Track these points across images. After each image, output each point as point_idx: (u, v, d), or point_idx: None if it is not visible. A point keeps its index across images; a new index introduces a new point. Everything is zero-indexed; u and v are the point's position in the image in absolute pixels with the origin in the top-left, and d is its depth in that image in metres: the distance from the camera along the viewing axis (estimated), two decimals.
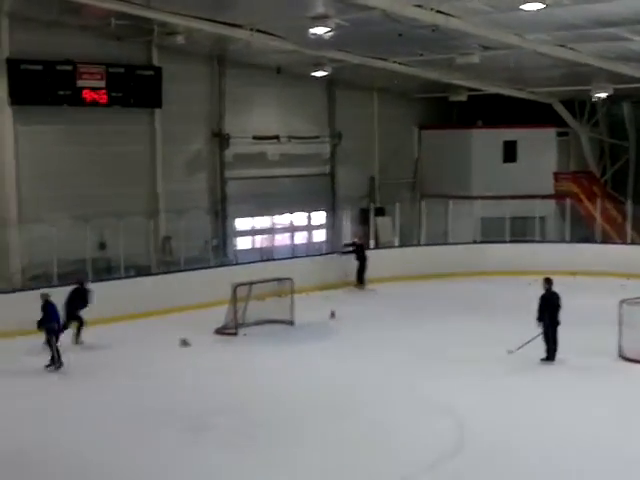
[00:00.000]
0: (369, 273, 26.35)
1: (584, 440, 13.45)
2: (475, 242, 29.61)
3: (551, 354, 17.65)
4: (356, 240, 27.15)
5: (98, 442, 13.54)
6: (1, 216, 23.11)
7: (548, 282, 17.98)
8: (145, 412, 14.89)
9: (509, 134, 32.81)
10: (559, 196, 31.86)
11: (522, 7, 18.66)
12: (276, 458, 12.85)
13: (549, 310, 17.61)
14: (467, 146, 33.02)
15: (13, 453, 13.10)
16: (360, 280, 26.26)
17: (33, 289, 21.57)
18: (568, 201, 29.80)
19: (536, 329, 17.55)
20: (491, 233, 29.37)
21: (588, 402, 15.32)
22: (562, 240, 29.46)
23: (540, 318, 17.57)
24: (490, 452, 12.89)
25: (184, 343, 19.50)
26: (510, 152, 32.86)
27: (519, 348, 17.73)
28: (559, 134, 33.28)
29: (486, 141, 32.93)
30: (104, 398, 15.80)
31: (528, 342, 17.59)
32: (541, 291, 17.93)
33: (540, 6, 18.38)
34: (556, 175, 33.08)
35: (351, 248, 26.67)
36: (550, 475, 12.13)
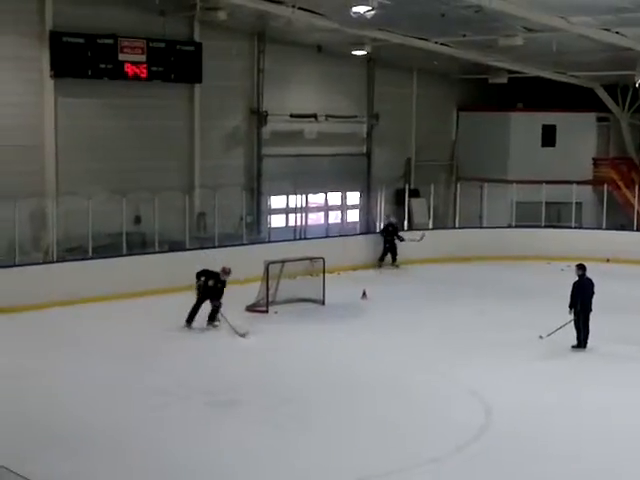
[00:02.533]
0: (400, 254, 26.54)
1: (610, 427, 13.39)
2: (510, 226, 29.42)
3: (582, 341, 17.55)
4: (393, 220, 27.22)
5: (121, 413, 13.71)
6: (39, 188, 23.35)
7: (581, 268, 17.81)
8: (173, 386, 15.00)
9: (548, 118, 32.47)
10: (597, 182, 31.54)
11: None
12: (302, 437, 12.94)
13: (582, 297, 17.47)
14: (505, 129, 32.74)
15: (40, 421, 13.34)
16: (394, 258, 26.52)
17: (68, 261, 21.95)
18: (606, 187, 29.48)
19: (568, 315, 17.45)
20: (526, 218, 29.16)
21: (617, 390, 15.19)
22: (598, 227, 29.21)
23: (572, 305, 17.46)
24: (516, 435, 12.87)
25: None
26: (549, 136, 32.54)
27: (550, 334, 17.66)
28: (599, 119, 32.88)
29: (525, 124, 32.63)
30: (134, 371, 16.00)
31: (559, 328, 17.50)
32: (574, 277, 17.81)
33: None
34: (595, 161, 32.74)
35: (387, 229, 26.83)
36: (575, 460, 12.09)
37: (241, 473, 11.71)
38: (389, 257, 26.69)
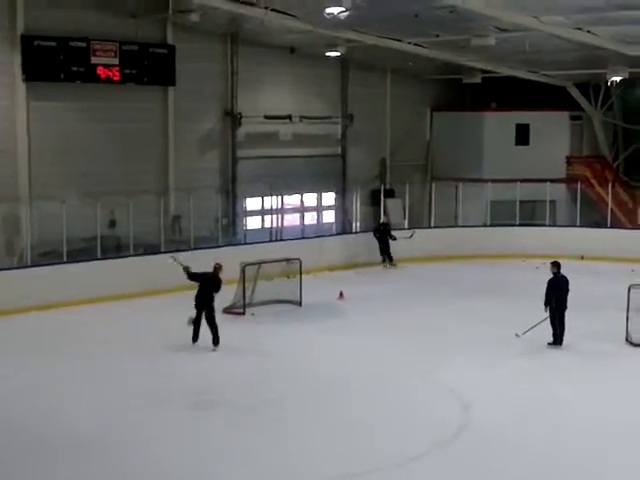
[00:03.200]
0: (378, 254, 26.63)
1: (588, 423, 13.48)
2: (485, 225, 29.56)
3: (558, 338, 17.65)
4: (385, 220, 27.38)
5: (103, 418, 13.63)
6: (12, 192, 23.15)
7: (556, 266, 17.87)
8: (151, 389, 14.97)
9: (522, 117, 32.69)
10: (570, 180, 31.77)
11: None
12: (281, 437, 12.92)
13: (557, 294, 17.55)
14: (479, 128, 32.92)
15: (18, 427, 13.23)
16: (390, 258, 26.62)
17: (42, 265, 21.78)
18: (579, 185, 29.70)
19: (544, 313, 17.55)
20: (501, 216, 29.32)
21: (594, 386, 15.34)
22: (572, 224, 29.40)
23: (547, 302, 17.54)
24: (495, 434, 12.94)
25: (191, 321, 19.52)
26: (522, 135, 32.76)
27: (526, 332, 17.76)
28: (572, 118, 33.14)
29: (499, 124, 32.83)
30: (111, 374, 15.91)
31: (535, 326, 17.60)
32: (549, 274, 17.91)
33: None
34: (568, 159, 32.98)
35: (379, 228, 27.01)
36: (553, 458, 12.16)
37: (222, 475, 11.67)
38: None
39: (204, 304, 17.60)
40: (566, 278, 17.78)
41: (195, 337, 17.71)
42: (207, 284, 17.68)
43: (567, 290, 17.65)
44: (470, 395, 14.62)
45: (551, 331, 17.64)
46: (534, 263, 25.56)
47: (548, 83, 31.25)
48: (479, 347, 17.66)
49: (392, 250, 26.60)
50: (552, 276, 17.80)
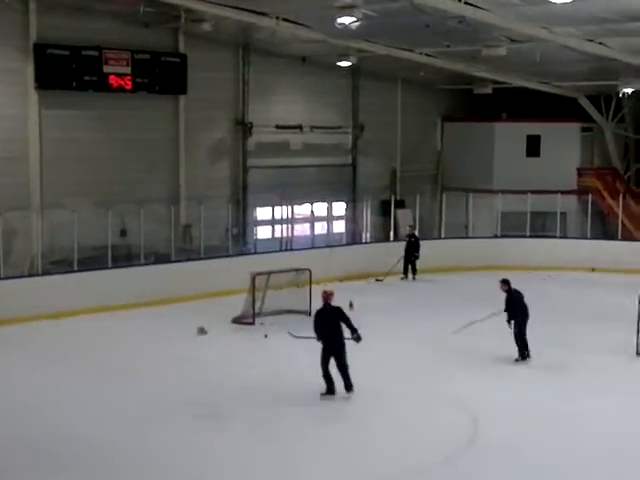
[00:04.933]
0: (390, 265, 26.46)
1: (600, 438, 13.38)
2: (495, 236, 29.50)
3: (525, 352, 17.44)
4: (413, 231, 26.97)
5: (111, 428, 13.62)
6: (24, 200, 23.25)
7: (506, 283, 17.61)
8: (160, 399, 14.96)
9: (533, 128, 32.66)
10: (581, 192, 31.68)
11: (551, 0, 18.48)
12: (291, 447, 12.90)
13: (518, 309, 17.33)
14: (490, 139, 32.89)
15: (23, 437, 13.25)
16: (414, 270, 26.23)
17: (53, 274, 21.83)
18: (590, 197, 29.62)
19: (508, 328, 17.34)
20: (512, 227, 29.25)
21: (604, 400, 15.21)
22: (583, 236, 29.32)
23: (511, 318, 17.24)
24: (504, 448, 12.85)
25: (201, 331, 19.58)
26: (533, 146, 32.73)
27: (457, 331, 17.66)
28: (583, 129, 33.10)
29: (510, 135, 32.81)
30: (120, 384, 15.91)
31: (470, 324, 17.62)
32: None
33: None
34: (579, 171, 32.91)
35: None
36: (562, 474, 12.09)
37: None
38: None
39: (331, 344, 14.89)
40: (519, 291, 17.62)
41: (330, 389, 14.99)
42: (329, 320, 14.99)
43: (525, 304, 17.47)
44: (479, 408, 14.55)
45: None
46: (541, 275, 25.50)
47: (559, 94, 31.22)
48: (488, 360, 17.58)
49: (402, 263, 26.40)
50: (507, 294, 17.48)
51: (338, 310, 14.99)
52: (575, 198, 31.73)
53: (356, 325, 15.07)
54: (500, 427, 13.78)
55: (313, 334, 15.08)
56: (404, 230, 28.01)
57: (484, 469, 12.20)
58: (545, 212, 29.99)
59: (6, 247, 21.20)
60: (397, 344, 18.83)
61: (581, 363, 17.43)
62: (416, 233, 26.96)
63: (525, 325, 17.36)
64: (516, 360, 17.42)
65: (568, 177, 32.28)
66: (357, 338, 14.94)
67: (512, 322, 17.29)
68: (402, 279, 26.37)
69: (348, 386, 14.87)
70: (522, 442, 13.13)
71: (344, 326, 14.90)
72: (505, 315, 17.34)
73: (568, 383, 16.34)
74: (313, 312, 20.66)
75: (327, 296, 15.06)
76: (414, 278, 26.29)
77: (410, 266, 26.37)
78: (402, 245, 26.54)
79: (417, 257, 26.21)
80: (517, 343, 17.37)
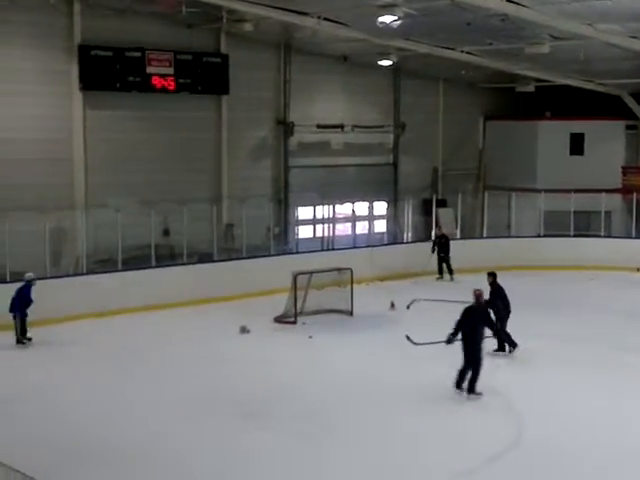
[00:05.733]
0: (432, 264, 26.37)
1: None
2: (539, 236, 29.25)
3: (502, 345, 17.64)
4: (443, 232, 26.91)
5: (151, 425, 13.78)
6: (69, 200, 23.56)
7: (492, 275, 18.02)
8: (201, 397, 15.08)
9: (577, 126, 32.26)
10: (626, 190, 31.28)
11: None
12: (330, 447, 12.92)
13: (501, 303, 17.60)
14: (533, 138, 32.56)
15: (73, 434, 13.41)
16: (450, 270, 26.15)
17: (98, 273, 22.07)
18: (635, 196, 29.24)
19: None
20: (555, 227, 28.97)
21: None
22: (628, 235, 28.96)
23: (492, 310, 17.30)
24: (548, 449, 12.76)
25: (244, 330, 19.69)
26: (577, 145, 32.33)
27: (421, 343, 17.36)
28: (628, 127, 32.59)
29: (553, 133, 32.45)
30: (161, 382, 16.06)
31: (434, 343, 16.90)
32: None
33: None
34: (624, 169, 32.48)
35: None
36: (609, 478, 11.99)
37: None
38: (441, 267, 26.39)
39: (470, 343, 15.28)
40: (502, 287, 17.85)
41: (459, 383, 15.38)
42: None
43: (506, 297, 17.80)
44: (523, 409, 14.46)
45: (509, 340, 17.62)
46: (589, 274, 25.22)
47: (603, 92, 30.84)
48: (529, 358, 17.44)
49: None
50: (492, 287, 17.81)
51: (485, 312, 15.78)
52: (620, 197, 31.30)
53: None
54: (545, 429, 13.67)
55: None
56: (445, 229, 27.84)
57: (527, 471, 12.11)
58: (589, 211, 29.67)
59: (52, 247, 21.47)
60: (438, 344, 18.64)
61: (630, 365, 17.17)
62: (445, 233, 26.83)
63: (507, 319, 17.63)
64: (509, 352, 17.63)
65: (612, 175, 31.84)
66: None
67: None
68: (437, 279, 26.26)
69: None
70: (568, 444, 13.01)
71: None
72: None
73: (615, 384, 16.08)
74: (354, 311, 21.01)
75: (479, 295, 15.62)
76: (452, 278, 26.11)
77: (445, 266, 26.23)
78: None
79: (446, 258, 26.11)
80: (501, 337, 17.52)
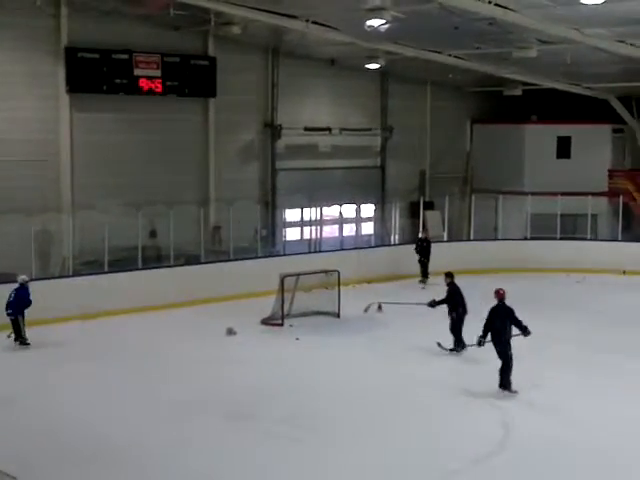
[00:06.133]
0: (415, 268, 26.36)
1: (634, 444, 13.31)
2: (525, 238, 29.35)
3: (460, 343, 17.82)
4: (423, 235, 26.84)
5: (138, 427, 13.74)
6: (55, 202, 23.48)
7: (449, 276, 18.49)
8: (188, 398, 15.05)
9: (563, 130, 32.41)
10: (612, 194, 31.43)
11: (582, 1, 18.36)
12: (317, 448, 12.92)
13: (460, 302, 17.96)
14: (520, 141, 32.69)
15: (59, 435, 13.37)
16: (426, 275, 26.05)
17: (84, 275, 22.03)
18: (621, 199, 29.38)
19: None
20: (542, 230, 29.08)
21: (631, 404, 15.11)
22: (614, 238, 29.09)
23: (452, 310, 17.97)
24: (537, 451, 12.77)
25: (230, 332, 19.68)
26: (564, 148, 32.48)
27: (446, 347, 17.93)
28: (614, 130, 32.78)
29: (540, 136, 32.59)
30: (148, 383, 16.03)
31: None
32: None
33: (600, 0, 18.09)
34: (610, 172, 32.64)
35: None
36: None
37: None
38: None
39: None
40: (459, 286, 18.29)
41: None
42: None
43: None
44: (513, 411, 14.50)
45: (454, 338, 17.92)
46: (575, 277, 25.31)
47: (590, 95, 30.99)
48: (522, 362, 17.46)
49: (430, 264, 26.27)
50: (450, 287, 18.27)
51: (510, 309, 15.67)
52: (606, 200, 31.46)
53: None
54: (535, 431, 13.69)
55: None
56: (433, 231, 27.90)
57: (515, 473, 12.13)
58: (576, 214, 29.80)
59: (38, 248, 21.41)
60: (426, 345, 18.66)
61: (617, 367, 17.24)
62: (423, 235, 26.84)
63: (464, 318, 17.90)
64: (451, 350, 17.87)
65: (599, 179, 32.00)
66: (527, 333, 15.66)
67: (453, 314, 17.95)
68: (420, 282, 26.13)
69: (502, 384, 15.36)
70: (556, 446, 13.01)
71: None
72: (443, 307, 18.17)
73: (604, 387, 16.09)
74: (342, 313, 21.03)
75: (501, 295, 15.80)
76: (424, 281, 25.73)
77: (421, 270, 26.13)
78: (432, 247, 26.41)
79: (425, 262, 26.06)
80: (453, 334, 17.87)
